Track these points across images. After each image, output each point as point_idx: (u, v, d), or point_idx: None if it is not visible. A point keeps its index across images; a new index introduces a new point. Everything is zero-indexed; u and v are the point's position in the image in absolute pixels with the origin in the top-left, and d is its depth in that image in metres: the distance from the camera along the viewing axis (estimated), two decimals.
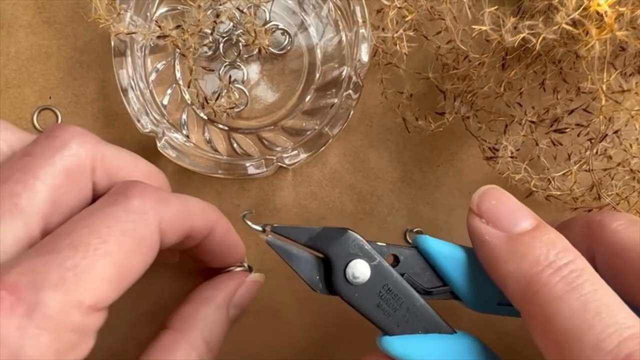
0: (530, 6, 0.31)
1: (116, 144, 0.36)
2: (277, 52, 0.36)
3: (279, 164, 0.33)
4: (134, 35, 0.33)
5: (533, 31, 0.28)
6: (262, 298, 0.36)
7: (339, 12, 0.35)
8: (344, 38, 0.35)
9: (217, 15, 0.33)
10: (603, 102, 0.30)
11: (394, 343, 0.24)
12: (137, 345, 0.36)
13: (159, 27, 0.32)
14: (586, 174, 0.32)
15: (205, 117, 0.36)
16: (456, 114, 0.34)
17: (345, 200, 0.37)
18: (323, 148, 0.33)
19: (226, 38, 0.36)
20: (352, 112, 0.33)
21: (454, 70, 0.33)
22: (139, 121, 0.33)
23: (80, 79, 0.37)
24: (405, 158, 0.37)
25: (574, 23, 0.28)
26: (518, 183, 0.33)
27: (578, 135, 0.33)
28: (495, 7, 0.29)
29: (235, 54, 0.36)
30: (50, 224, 0.23)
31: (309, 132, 0.34)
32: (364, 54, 0.33)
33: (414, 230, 0.37)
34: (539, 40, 0.28)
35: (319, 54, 0.36)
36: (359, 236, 0.24)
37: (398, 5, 0.31)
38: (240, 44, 0.36)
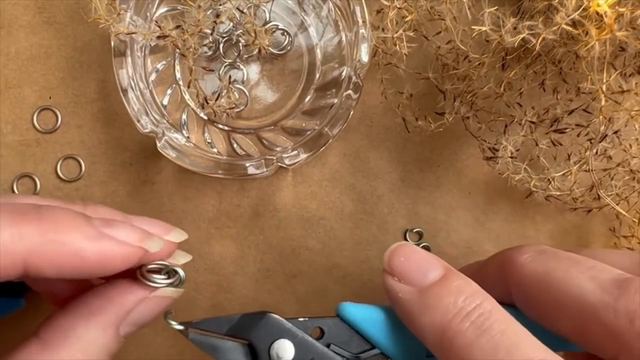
0: (530, 6, 0.31)
1: (116, 144, 0.37)
2: (277, 52, 0.36)
3: (279, 164, 0.33)
4: (134, 35, 0.33)
5: (533, 31, 0.28)
6: (262, 298, 0.36)
7: (339, 12, 0.35)
8: (344, 38, 0.35)
9: (217, 16, 0.33)
10: (603, 102, 0.30)
11: None
12: (136, 345, 0.36)
13: (159, 27, 0.32)
14: (586, 174, 0.32)
15: (205, 118, 0.36)
16: (456, 114, 0.34)
17: (345, 200, 0.37)
18: (323, 148, 0.33)
19: (226, 38, 0.36)
20: (352, 112, 0.33)
21: (454, 71, 0.33)
22: (139, 121, 0.33)
23: (80, 79, 0.37)
24: (405, 158, 0.37)
25: (574, 23, 0.28)
26: (518, 183, 0.33)
27: (578, 136, 0.33)
28: (495, 8, 0.29)
29: (235, 54, 0.36)
30: None
31: (309, 132, 0.34)
32: (364, 54, 0.33)
33: (414, 230, 0.37)
34: (539, 41, 0.28)
35: (319, 54, 0.36)
36: (278, 317, 0.24)
37: (398, 6, 0.31)
38: (240, 44, 0.36)
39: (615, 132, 0.32)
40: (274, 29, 0.36)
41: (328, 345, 0.25)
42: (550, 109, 0.33)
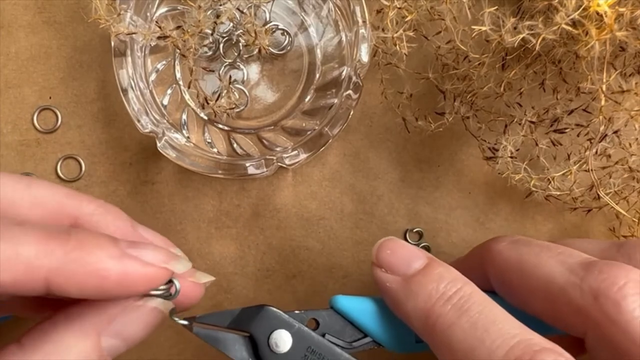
0: (530, 6, 0.31)
1: (116, 144, 0.37)
2: (277, 52, 0.36)
3: (279, 164, 0.33)
4: (134, 35, 0.33)
5: (533, 31, 0.28)
6: (262, 298, 0.36)
7: (339, 12, 0.35)
8: (344, 38, 0.35)
9: (218, 16, 0.33)
10: (603, 102, 0.30)
11: None
12: (137, 345, 0.36)
13: (159, 27, 0.32)
14: (586, 174, 0.32)
15: (205, 118, 0.36)
16: (456, 114, 0.34)
17: (345, 200, 0.37)
18: (323, 148, 0.33)
19: (226, 38, 0.36)
20: (352, 112, 0.33)
21: (454, 71, 0.33)
22: (139, 121, 0.33)
23: (80, 79, 0.37)
24: (405, 158, 0.37)
25: (574, 23, 0.28)
26: (518, 183, 0.33)
27: (578, 136, 0.33)
28: (495, 8, 0.29)
29: (235, 54, 0.36)
30: None
31: (309, 132, 0.34)
32: (364, 54, 0.33)
33: (414, 230, 0.37)
34: (539, 41, 0.28)
35: (319, 54, 0.36)
36: (276, 309, 0.26)
37: (398, 6, 0.31)
38: (240, 44, 0.36)
39: (615, 132, 0.32)
40: (274, 29, 0.36)
41: (323, 335, 0.26)
42: (550, 109, 0.33)
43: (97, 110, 0.37)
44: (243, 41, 0.35)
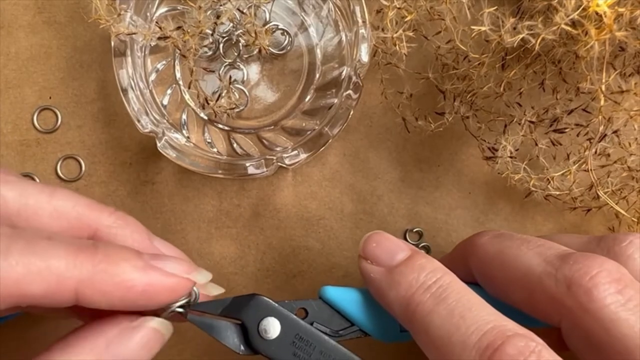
0: (529, 6, 0.32)
1: (116, 144, 0.37)
2: (277, 52, 0.36)
3: (279, 164, 0.33)
4: (134, 35, 0.33)
5: (532, 31, 0.28)
6: None
7: (339, 12, 0.35)
8: (343, 38, 0.35)
9: (218, 16, 0.33)
10: (602, 102, 0.30)
11: None
12: None
13: (159, 27, 0.32)
14: (585, 174, 0.32)
15: (205, 117, 0.36)
16: (456, 114, 0.34)
17: (345, 200, 0.37)
18: (323, 148, 0.33)
19: (226, 38, 0.36)
20: (352, 112, 0.33)
21: (454, 70, 0.33)
22: (139, 121, 0.33)
23: (80, 79, 0.37)
24: (405, 158, 0.37)
25: (573, 23, 0.28)
26: (517, 183, 0.33)
27: (577, 135, 0.33)
28: (495, 8, 0.29)
29: (235, 54, 0.36)
30: None
31: (309, 132, 0.34)
32: (364, 54, 0.33)
33: (414, 230, 0.37)
34: (539, 41, 0.28)
35: (319, 54, 0.36)
36: (266, 298, 0.27)
37: (397, 6, 0.31)
38: (240, 44, 0.36)
39: (615, 132, 0.32)
40: (274, 29, 0.36)
41: (311, 324, 0.27)
42: (550, 109, 0.33)
43: (97, 110, 0.37)
44: (243, 41, 0.35)
